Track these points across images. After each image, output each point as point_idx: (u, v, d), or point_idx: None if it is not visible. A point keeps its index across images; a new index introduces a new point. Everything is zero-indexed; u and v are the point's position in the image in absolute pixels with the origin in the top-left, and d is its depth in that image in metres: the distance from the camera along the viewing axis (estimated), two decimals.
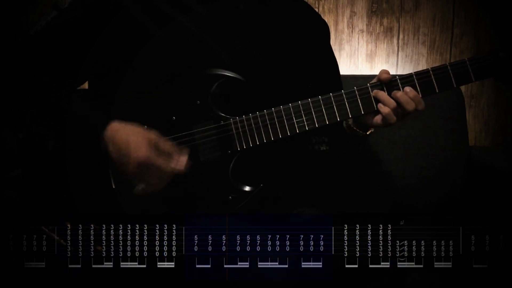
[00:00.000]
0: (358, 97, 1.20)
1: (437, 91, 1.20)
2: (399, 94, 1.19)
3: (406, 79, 1.20)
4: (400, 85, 1.20)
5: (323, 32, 1.44)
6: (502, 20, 2.04)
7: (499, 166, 1.80)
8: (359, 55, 2.14)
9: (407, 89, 1.19)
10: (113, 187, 1.19)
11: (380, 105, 1.20)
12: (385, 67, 2.13)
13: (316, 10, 2.04)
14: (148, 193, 1.15)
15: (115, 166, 1.15)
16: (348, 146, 1.36)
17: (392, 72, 2.11)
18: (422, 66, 2.12)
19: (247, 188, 1.22)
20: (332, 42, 1.95)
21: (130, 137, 1.13)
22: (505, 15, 2.03)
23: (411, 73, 1.21)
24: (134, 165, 1.12)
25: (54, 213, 1.16)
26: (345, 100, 1.20)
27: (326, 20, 1.49)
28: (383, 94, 1.20)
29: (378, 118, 1.21)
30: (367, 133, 1.29)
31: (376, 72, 2.14)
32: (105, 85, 1.26)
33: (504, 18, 2.03)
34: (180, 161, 1.14)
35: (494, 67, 1.19)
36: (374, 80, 1.22)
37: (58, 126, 1.16)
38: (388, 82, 1.20)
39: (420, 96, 1.20)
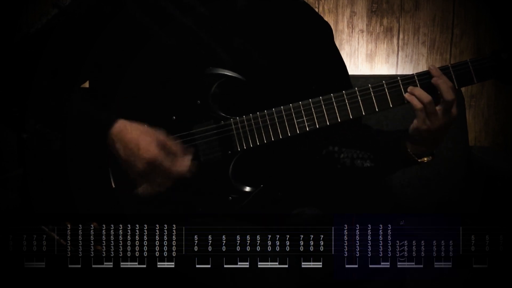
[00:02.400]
0: (359, 97, 1.20)
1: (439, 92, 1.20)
2: (440, 80, 1.16)
3: (407, 80, 1.19)
4: (401, 86, 1.19)
5: (326, 33, 1.43)
6: (502, 20, 2.04)
7: (499, 166, 1.80)
8: (359, 55, 2.14)
9: (443, 78, 1.17)
10: (113, 186, 1.19)
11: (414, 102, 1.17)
12: (385, 67, 2.13)
13: (316, 10, 2.04)
14: (151, 194, 1.15)
15: (121, 164, 1.15)
16: (396, 166, 1.31)
17: (392, 72, 2.14)
18: (422, 66, 2.12)
19: (247, 189, 1.21)
20: None
21: (140, 136, 1.13)
22: (505, 15, 2.03)
23: (413, 74, 1.20)
24: (142, 164, 1.12)
25: (54, 213, 1.16)
26: (346, 101, 1.20)
27: (326, 20, 1.48)
28: (418, 89, 1.16)
29: (418, 121, 1.17)
30: (420, 160, 1.23)
31: (376, 72, 2.15)
32: (106, 85, 1.25)
33: (504, 18, 2.03)
34: (186, 163, 1.15)
35: (496, 69, 1.18)
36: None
37: (63, 126, 1.16)
38: (390, 81, 1.20)
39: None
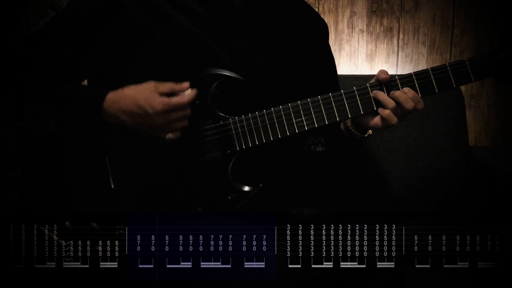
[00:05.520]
0: (357, 97, 1.20)
1: (437, 91, 1.20)
2: (397, 93, 1.19)
3: (405, 79, 1.20)
4: (399, 85, 1.20)
5: (322, 31, 1.44)
6: (502, 20, 2.04)
7: (499, 166, 1.80)
8: (359, 55, 2.14)
9: (406, 89, 1.19)
10: (112, 187, 1.19)
11: (380, 108, 1.20)
12: (385, 67, 2.13)
13: (316, 10, 2.04)
14: (179, 131, 1.16)
15: (138, 129, 1.15)
16: (344, 148, 1.35)
17: (392, 72, 2.14)
18: (422, 66, 2.12)
19: (246, 188, 1.22)
20: (332, 42, 1.96)
21: (135, 96, 1.13)
22: (505, 15, 2.03)
23: (411, 73, 1.21)
24: (156, 117, 1.12)
25: (54, 213, 1.16)
26: (345, 100, 1.20)
27: (326, 20, 1.49)
28: (382, 95, 1.19)
29: (377, 120, 1.21)
30: (365, 135, 1.29)
31: (376, 72, 2.15)
32: (105, 85, 1.25)
33: (504, 18, 2.03)
34: (188, 92, 1.15)
35: (494, 67, 1.19)
36: (373, 80, 1.22)
37: (60, 105, 1.16)
38: (387, 82, 1.20)
39: (420, 96, 1.20)
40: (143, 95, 1.13)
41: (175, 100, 1.13)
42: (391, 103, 1.19)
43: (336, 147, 1.36)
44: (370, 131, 1.28)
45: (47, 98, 1.16)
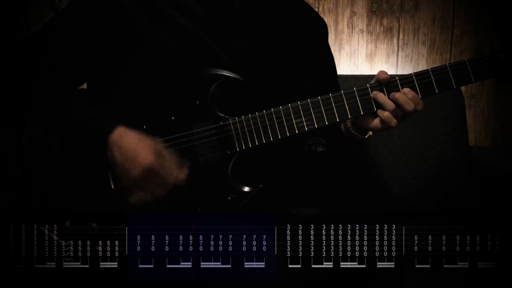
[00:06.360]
0: (357, 97, 1.20)
1: (437, 91, 1.20)
2: (397, 95, 1.19)
3: (405, 80, 1.20)
4: (399, 86, 1.20)
5: (322, 29, 1.44)
6: (502, 20, 2.04)
7: (499, 166, 1.80)
8: (359, 55, 2.14)
9: (405, 90, 1.19)
10: (112, 187, 1.19)
11: (379, 110, 1.19)
12: (385, 67, 2.13)
13: (316, 10, 2.04)
14: (144, 202, 1.16)
15: (116, 170, 1.15)
16: (344, 148, 1.34)
17: (392, 72, 2.14)
18: (422, 66, 2.12)
19: (246, 189, 1.22)
20: (332, 42, 1.96)
21: (139, 144, 1.14)
22: (505, 15, 2.03)
23: (411, 73, 1.20)
24: (138, 171, 1.13)
25: (54, 213, 1.16)
26: (345, 100, 1.20)
27: (326, 20, 1.49)
28: (382, 96, 1.19)
29: (377, 121, 1.21)
30: (365, 136, 1.28)
31: (376, 72, 2.15)
32: (105, 86, 1.26)
33: (504, 18, 2.03)
34: (182, 174, 1.16)
35: (494, 68, 1.18)
36: (373, 81, 1.22)
37: (62, 130, 1.16)
38: (387, 83, 1.20)
39: (420, 97, 1.19)
40: (146, 146, 1.14)
41: (162, 175, 1.14)
42: (390, 105, 1.18)
43: (336, 147, 1.35)
44: (370, 132, 1.27)
45: (49, 118, 1.16)
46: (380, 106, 1.20)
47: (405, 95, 1.18)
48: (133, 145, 1.14)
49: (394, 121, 1.19)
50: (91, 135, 1.16)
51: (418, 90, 1.20)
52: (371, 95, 1.20)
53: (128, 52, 1.21)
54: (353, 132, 1.27)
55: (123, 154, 1.13)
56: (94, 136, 1.16)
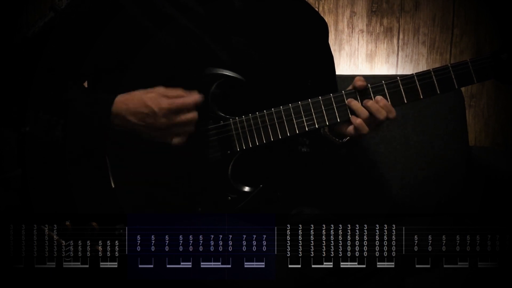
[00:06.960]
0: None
1: (439, 92, 1.19)
2: (369, 103, 1.18)
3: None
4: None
5: (322, 29, 1.44)
6: (502, 20, 2.04)
7: (499, 166, 1.80)
8: (359, 55, 2.14)
9: (378, 98, 1.19)
10: (113, 186, 1.19)
11: (352, 117, 1.19)
12: (385, 67, 2.13)
13: (316, 10, 2.04)
14: (185, 135, 1.16)
15: (142, 132, 1.15)
16: (328, 151, 1.34)
17: (392, 72, 2.14)
18: (422, 66, 2.12)
19: (246, 189, 1.22)
20: (332, 42, 1.96)
21: (143, 97, 1.14)
22: (505, 15, 2.03)
23: (413, 74, 1.20)
24: (163, 118, 1.13)
25: (54, 213, 1.16)
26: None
27: (326, 20, 1.49)
28: (355, 104, 1.19)
29: (351, 128, 1.20)
30: (344, 140, 1.27)
31: (376, 72, 2.15)
32: (105, 86, 1.26)
33: (504, 18, 2.03)
34: (194, 95, 1.15)
35: (496, 69, 1.18)
36: (350, 87, 1.21)
37: (65, 111, 1.16)
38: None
39: (422, 97, 1.19)
40: (150, 95, 1.14)
41: (180, 100, 1.14)
42: (363, 112, 1.18)
43: (319, 149, 1.35)
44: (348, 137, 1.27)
45: (51, 104, 1.16)
46: (354, 113, 1.19)
47: (377, 103, 1.18)
48: (140, 101, 1.14)
49: (366, 129, 1.19)
50: (95, 111, 1.16)
51: (420, 91, 1.19)
52: (346, 102, 1.20)
53: (128, 52, 1.21)
54: (331, 136, 1.27)
55: (137, 114, 1.14)
56: (98, 111, 1.15)
